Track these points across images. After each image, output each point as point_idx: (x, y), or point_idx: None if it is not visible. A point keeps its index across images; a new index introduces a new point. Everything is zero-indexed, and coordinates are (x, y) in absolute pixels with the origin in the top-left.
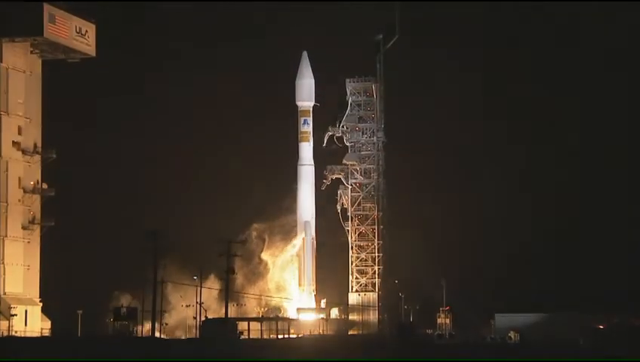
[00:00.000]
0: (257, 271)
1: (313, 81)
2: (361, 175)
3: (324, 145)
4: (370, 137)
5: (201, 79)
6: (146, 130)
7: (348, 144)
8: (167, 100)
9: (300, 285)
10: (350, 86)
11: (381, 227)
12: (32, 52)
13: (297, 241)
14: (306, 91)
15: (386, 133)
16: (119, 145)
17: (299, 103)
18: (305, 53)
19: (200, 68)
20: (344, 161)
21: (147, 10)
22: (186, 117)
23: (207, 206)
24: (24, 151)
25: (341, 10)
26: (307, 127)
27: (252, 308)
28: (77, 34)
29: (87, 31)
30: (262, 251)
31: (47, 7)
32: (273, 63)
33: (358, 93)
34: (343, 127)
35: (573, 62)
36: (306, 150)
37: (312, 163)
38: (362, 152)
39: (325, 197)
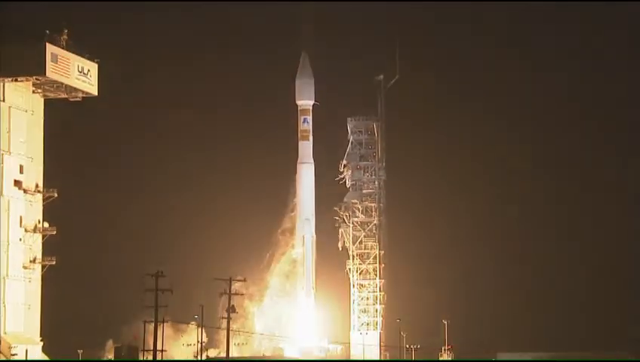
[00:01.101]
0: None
1: (313, 80)
2: (362, 213)
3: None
4: (371, 175)
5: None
6: (146, 167)
7: (349, 182)
8: (168, 137)
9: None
10: (351, 124)
11: (382, 265)
12: (34, 91)
13: (297, 240)
14: (305, 90)
15: (387, 172)
16: (120, 182)
17: (299, 102)
18: (304, 53)
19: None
20: (345, 200)
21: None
22: (187, 150)
23: (208, 244)
24: (26, 190)
25: (342, 56)
26: (307, 126)
27: (253, 346)
28: (79, 73)
29: (89, 70)
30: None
31: (49, 47)
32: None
33: (359, 131)
34: (344, 165)
35: (576, 104)
36: (306, 148)
37: (312, 161)
38: (364, 191)
39: (326, 235)
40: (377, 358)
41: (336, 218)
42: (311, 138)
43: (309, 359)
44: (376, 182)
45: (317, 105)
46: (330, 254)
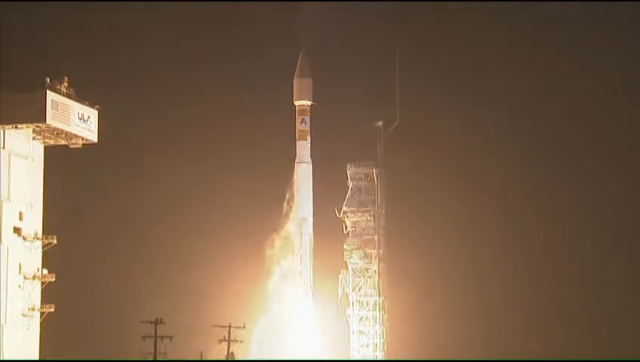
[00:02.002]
0: None
1: (311, 80)
2: (361, 259)
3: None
4: (370, 222)
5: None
6: (146, 214)
7: (349, 228)
8: (167, 182)
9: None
10: (351, 171)
11: (382, 313)
12: (34, 138)
13: (294, 240)
14: (304, 90)
15: (386, 218)
16: (120, 229)
17: (297, 102)
18: (302, 53)
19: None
20: (345, 247)
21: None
22: (187, 196)
23: (207, 290)
24: (25, 238)
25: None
26: (305, 126)
27: None
28: (79, 120)
29: (89, 117)
30: None
31: (49, 94)
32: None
33: (358, 178)
34: (343, 211)
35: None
36: (304, 148)
37: (310, 161)
38: (363, 237)
39: (323, 281)
40: None
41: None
42: (309, 138)
43: (308, 359)
44: (376, 229)
45: (315, 105)
46: (329, 253)
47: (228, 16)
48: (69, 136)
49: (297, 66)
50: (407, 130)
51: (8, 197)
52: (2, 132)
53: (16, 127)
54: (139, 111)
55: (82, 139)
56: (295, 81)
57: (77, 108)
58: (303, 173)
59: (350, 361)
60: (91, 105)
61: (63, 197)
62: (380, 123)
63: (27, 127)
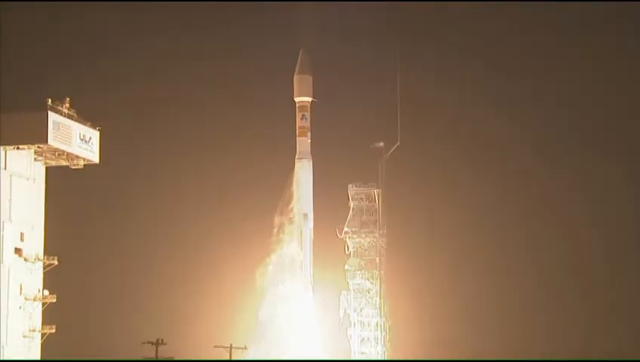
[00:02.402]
0: None
1: (311, 77)
2: (362, 279)
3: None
4: (372, 243)
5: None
6: (147, 234)
7: (351, 249)
8: (169, 204)
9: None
10: (352, 191)
11: (384, 333)
12: (35, 159)
13: (294, 235)
14: (303, 87)
15: (388, 238)
16: (120, 250)
17: (297, 99)
18: (302, 50)
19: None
20: (346, 267)
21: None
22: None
23: (208, 311)
24: (26, 259)
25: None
26: (305, 122)
27: None
28: (81, 141)
29: (90, 138)
30: None
31: (51, 115)
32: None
33: (360, 198)
34: (345, 232)
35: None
36: (304, 144)
37: (310, 157)
38: (364, 258)
39: (324, 303)
40: None
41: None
42: (309, 134)
43: (308, 359)
44: (377, 250)
45: (315, 101)
46: (328, 252)
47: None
48: (71, 157)
49: (297, 64)
50: (408, 151)
51: (10, 218)
52: (4, 153)
53: (17, 148)
54: (138, 132)
55: (84, 159)
56: (295, 78)
57: (78, 129)
58: (304, 169)
59: (350, 361)
60: (93, 125)
61: (65, 217)
62: (381, 144)
63: (29, 148)
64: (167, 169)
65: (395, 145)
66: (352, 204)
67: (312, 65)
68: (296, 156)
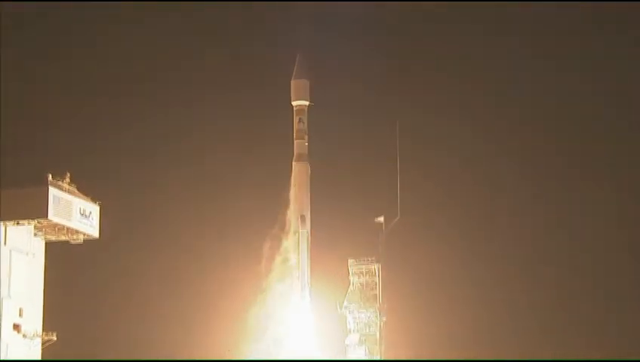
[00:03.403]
0: None
1: (308, 81)
2: (364, 353)
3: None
4: (371, 317)
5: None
6: (147, 311)
7: (351, 324)
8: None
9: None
10: (352, 266)
11: None
12: (35, 234)
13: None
14: (300, 91)
15: (386, 313)
16: (121, 326)
17: (294, 103)
18: (299, 56)
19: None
20: (346, 342)
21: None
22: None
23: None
24: (25, 335)
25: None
26: (302, 125)
27: None
28: (81, 215)
29: (90, 212)
30: None
31: (52, 190)
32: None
33: (360, 273)
34: (345, 306)
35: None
36: (302, 147)
37: (307, 159)
38: (363, 332)
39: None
40: None
41: None
42: (306, 137)
43: (308, 359)
44: (377, 324)
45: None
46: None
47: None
48: (71, 231)
49: (295, 69)
50: (408, 225)
51: (9, 294)
52: (4, 228)
53: (17, 224)
54: (139, 207)
55: (84, 234)
56: (292, 83)
57: (78, 203)
58: (301, 171)
59: (350, 361)
60: (93, 200)
61: (64, 293)
62: (381, 218)
63: (29, 223)
64: (166, 239)
65: (396, 219)
66: (352, 278)
67: (309, 69)
68: (294, 159)
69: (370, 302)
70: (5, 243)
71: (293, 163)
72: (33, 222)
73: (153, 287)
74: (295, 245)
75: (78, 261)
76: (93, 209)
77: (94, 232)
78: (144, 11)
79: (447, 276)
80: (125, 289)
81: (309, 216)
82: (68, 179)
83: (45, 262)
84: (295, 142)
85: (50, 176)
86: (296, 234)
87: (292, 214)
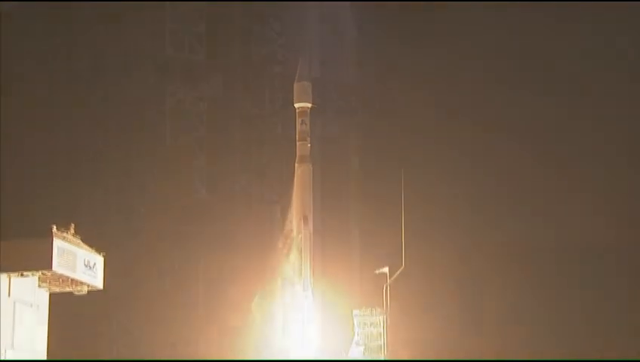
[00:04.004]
0: None
1: (310, 83)
2: None
3: None
4: None
5: None
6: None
7: None
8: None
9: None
10: (357, 318)
11: None
12: (39, 285)
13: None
14: (302, 93)
15: None
16: None
17: (297, 105)
18: (302, 58)
19: None
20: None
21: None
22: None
23: None
24: None
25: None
26: (305, 127)
27: None
28: (85, 267)
29: (95, 263)
30: None
31: (56, 242)
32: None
33: (364, 324)
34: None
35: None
36: (304, 148)
37: (310, 160)
38: None
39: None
40: None
41: None
42: (309, 138)
43: (308, 359)
44: None
45: (315, 107)
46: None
47: None
48: (75, 283)
49: (297, 72)
50: (414, 275)
51: (12, 345)
52: (8, 280)
53: (22, 275)
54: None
55: (87, 286)
56: (295, 86)
57: (83, 255)
58: (304, 173)
59: (350, 361)
60: (97, 251)
61: (67, 344)
62: (386, 269)
63: (33, 275)
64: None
65: (400, 269)
66: (356, 329)
67: (311, 71)
68: (296, 160)
69: (375, 353)
70: (9, 295)
71: (296, 164)
72: (37, 274)
73: (158, 338)
74: (297, 246)
75: (81, 312)
76: (98, 260)
77: (98, 283)
78: None
79: (456, 326)
80: (130, 343)
81: (311, 217)
82: (72, 231)
83: (49, 314)
84: (298, 143)
85: (55, 227)
86: (299, 236)
87: (294, 215)
